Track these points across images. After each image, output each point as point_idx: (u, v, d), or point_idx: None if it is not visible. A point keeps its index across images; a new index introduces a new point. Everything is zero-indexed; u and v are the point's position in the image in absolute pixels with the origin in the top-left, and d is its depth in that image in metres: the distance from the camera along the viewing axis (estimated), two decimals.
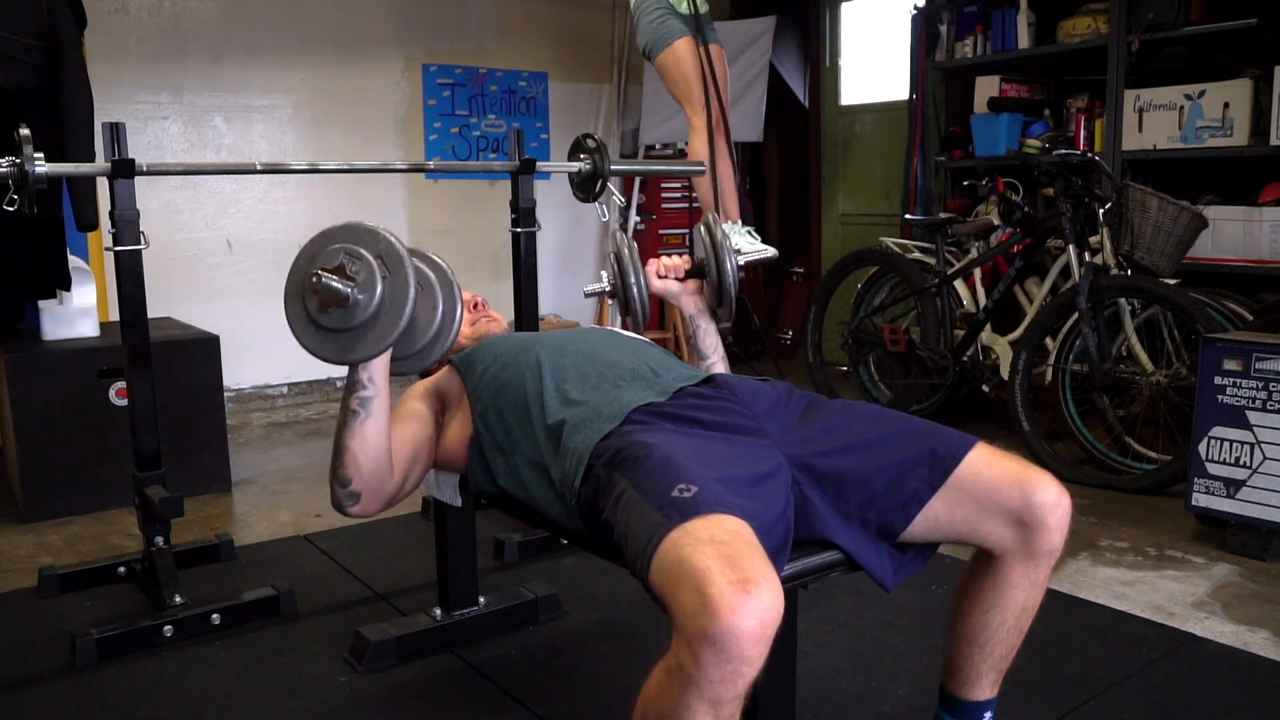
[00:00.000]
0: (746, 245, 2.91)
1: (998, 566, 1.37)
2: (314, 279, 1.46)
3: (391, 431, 1.57)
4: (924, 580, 2.33)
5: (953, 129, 4.36)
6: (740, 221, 3.02)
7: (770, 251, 2.73)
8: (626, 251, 1.83)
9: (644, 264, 1.86)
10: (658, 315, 5.11)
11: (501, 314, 2.01)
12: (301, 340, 1.53)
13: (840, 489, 1.35)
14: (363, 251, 1.48)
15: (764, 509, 1.23)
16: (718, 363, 1.92)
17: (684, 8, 3.17)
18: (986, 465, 1.34)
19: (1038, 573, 1.37)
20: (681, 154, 5.26)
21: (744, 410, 1.44)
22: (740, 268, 1.87)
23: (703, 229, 1.89)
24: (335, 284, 1.45)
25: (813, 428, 1.43)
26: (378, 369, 1.52)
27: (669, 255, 1.96)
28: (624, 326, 1.95)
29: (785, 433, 1.42)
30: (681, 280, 1.91)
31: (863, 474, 1.35)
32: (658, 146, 5.23)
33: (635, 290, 1.82)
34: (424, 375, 1.87)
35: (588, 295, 1.93)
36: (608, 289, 1.87)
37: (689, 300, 1.91)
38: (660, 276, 1.90)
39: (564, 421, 1.45)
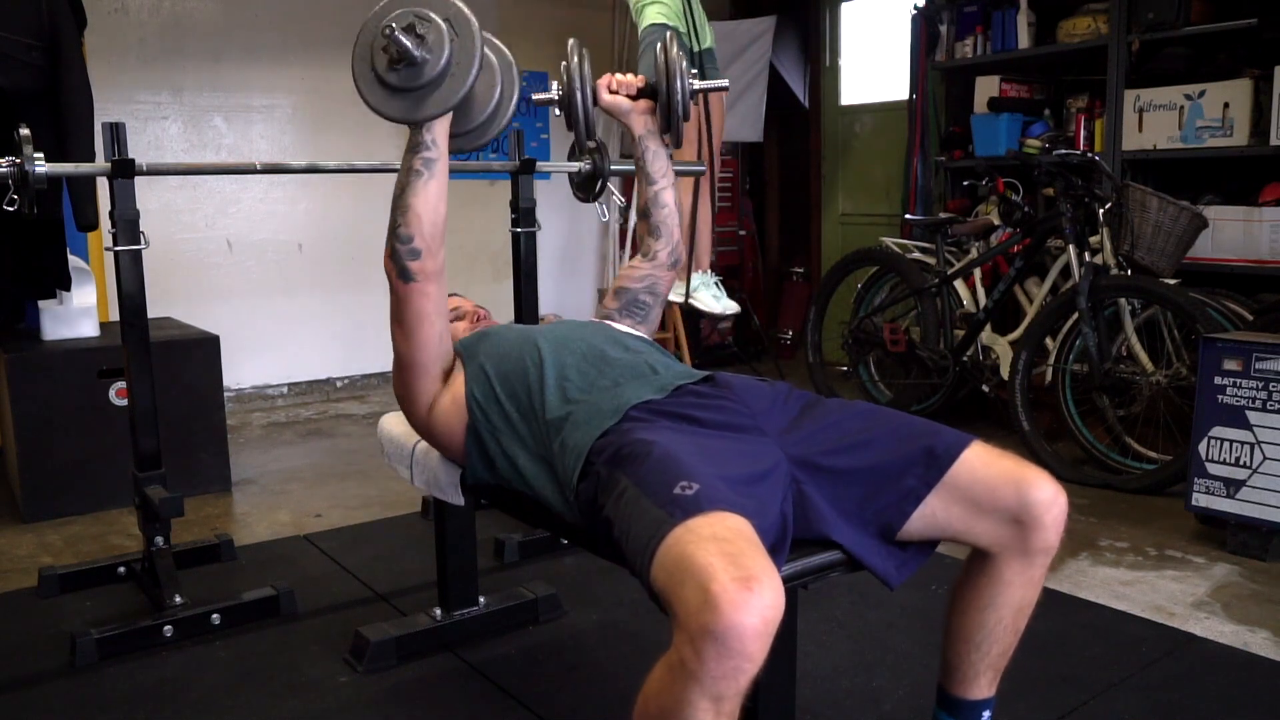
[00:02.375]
0: (710, 300, 2.93)
1: (993, 565, 1.37)
2: (386, 31, 1.48)
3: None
4: (924, 580, 2.33)
5: (953, 129, 4.36)
6: (709, 272, 3.03)
7: (733, 308, 2.74)
8: (576, 61, 1.81)
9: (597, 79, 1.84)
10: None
11: (502, 316, 2.01)
12: (368, 99, 1.56)
13: (838, 487, 1.35)
14: (431, 14, 1.51)
15: (763, 507, 1.23)
16: (666, 187, 1.91)
17: (688, 40, 3.20)
18: (982, 464, 1.34)
19: (1033, 571, 1.37)
20: None
21: (742, 408, 1.44)
22: (693, 92, 1.84)
23: (658, 47, 1.85)
24: (406, 41, 1.48)
25: (810, 426, 1.43)
26: (440, 131, 1.56)
27: (623, 74, 1.92)
28: (607, 305, 1.93)
29: (783, 431, 1.42)
30: (633, 99, 1.89)
31: (860, 472, 1.35)
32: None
33: (581, 101, 1.80)
34: None
35: (535, 102, 1.90)
36: (555, 98, 1.84)
37: (638, 120, 1.89)
38: (611, 91, 1.88)
39: (564, 418, 1.45)
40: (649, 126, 1.89)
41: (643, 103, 1.89)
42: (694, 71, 1.84)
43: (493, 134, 1.67)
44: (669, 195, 1.91)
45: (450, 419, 1.61)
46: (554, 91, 1.83)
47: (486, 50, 1.61)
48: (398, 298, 1.59)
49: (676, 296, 2.95)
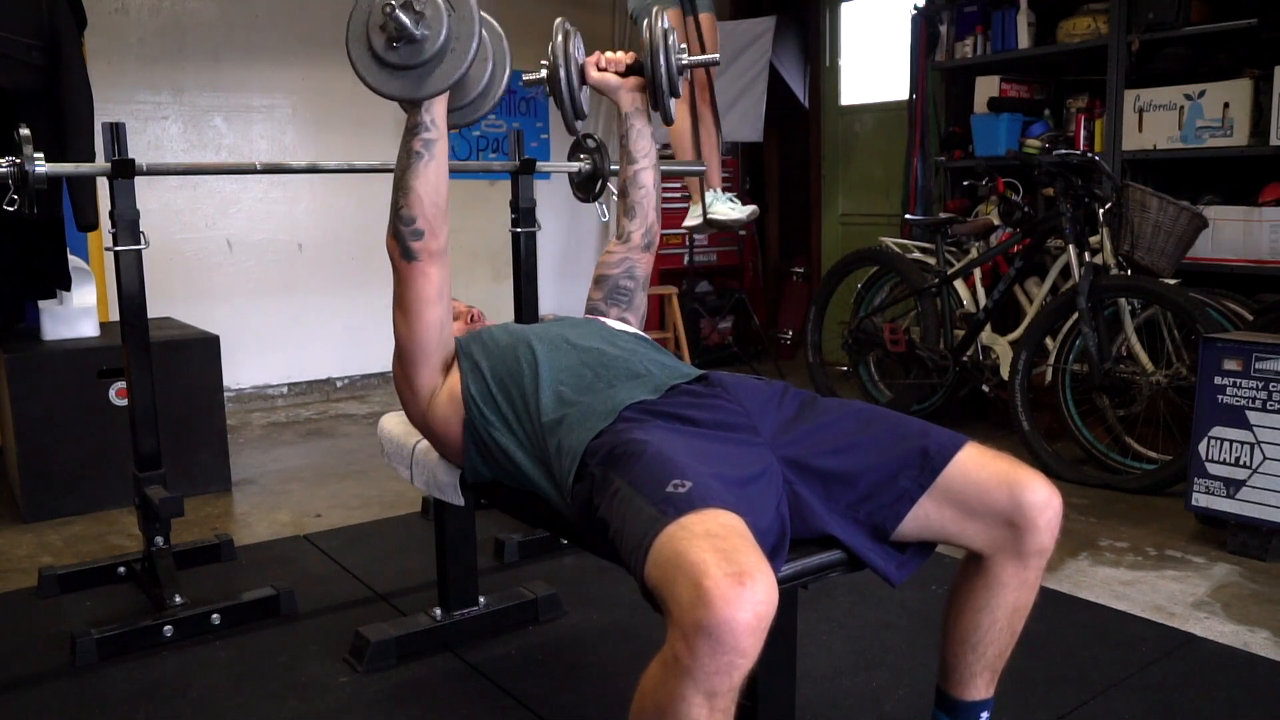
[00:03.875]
0: (727, 210, 2.91)
1: (988, 567, 1.37)
2: (385, 9, 1.47)
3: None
4: (923, 580, 2.34)
5: (953, 129, 4.36)
6: (721, 189, 3.01)
7: (750, 210, 2.70)
8: (562, 37, 1.81)
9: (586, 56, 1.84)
10: (657, 315, 5.11)
11: (502, 316, 2.01)
12: (367, 79, 1.55)
13: (830, 488, 1.35)
14: None
15: (758, 508, 1.23)
16: (647, 168, 1.91)
17: None
18: (976, 465, 1.33)
19: (1028, 573, 1.36)
20: None
21: (737, 408, 1.44)
22: (682, 69, 1.83)
23: (644, 26, 1.84)
24: (405, 17, 1.47)
25: (805, 426, 1.43)
26: (439, 110, 1.56)
27: (613, 52, 1.91)
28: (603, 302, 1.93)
29: (778, 431, 1.42)
30: (621, 75, 1.88)
31: (853, 473, 1.35)
32: (658, 146, 5.23)
33: (567, 78, 1.79)
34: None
35: (525, 84, 1.89)
36: (543, 75, 1.83)
37: (626, 96, 1.89)
38: (600, 69, 1.88)
39: (559, 420, 1.45)
40: (636, 104, 1.89)
41: (631, 79, 1.88)
42: (682, 47, 1.83)
43: (486, 109, 1.65)
44: (648, 176, 1.91)
45: (448, 414, 1.61)
46: (542, 71, 1.83)
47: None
48: (400, 278, 1.59)
49: (694, 219, 2.94)
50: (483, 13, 1.63)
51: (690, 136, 2.88)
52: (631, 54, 1.89)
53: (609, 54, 1.90)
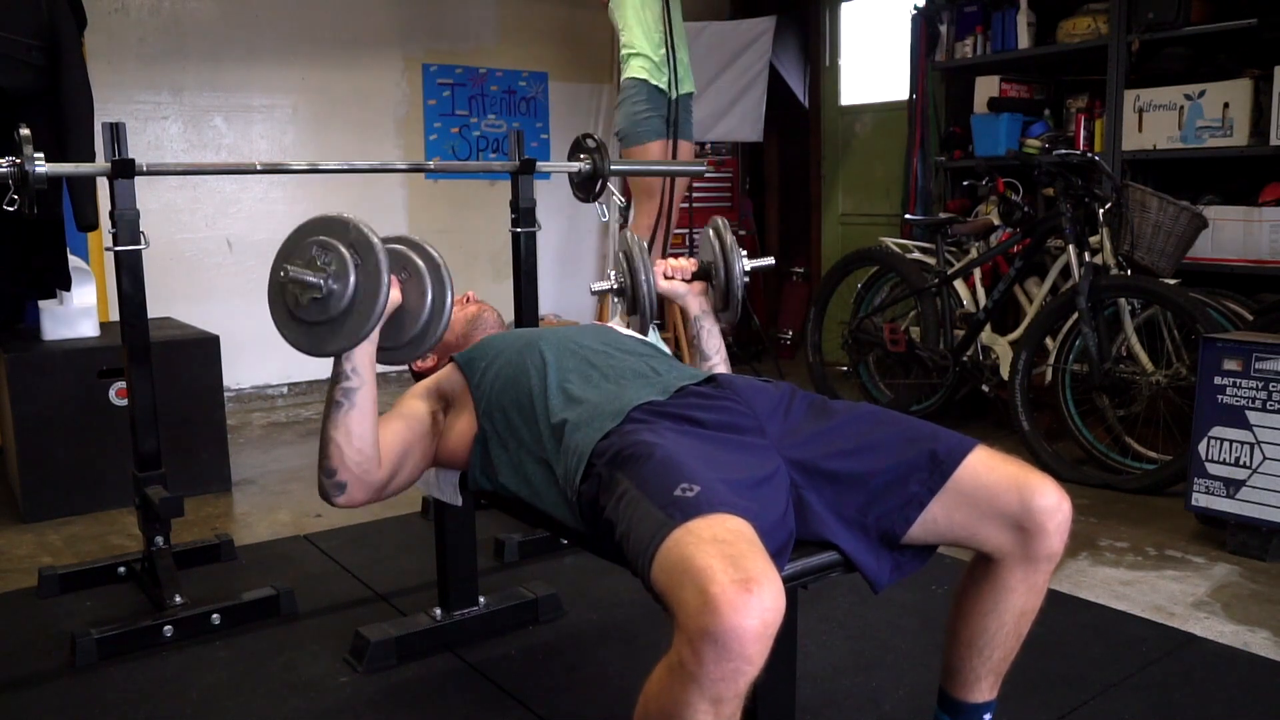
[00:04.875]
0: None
1: (996, 570, 1.37)
2: (282, 273, 1.47)
3: (385, 427, 1.57)
4: (924, 580, 2.33)
5: (953, 129, 4.36)
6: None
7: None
8: (636, 250, 1.85)
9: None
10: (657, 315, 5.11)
11: (500, 314, 2.01)
12: (284, 334, 1.54)
13: (839, 492, 1.35)
14: (334, 242, 1.48)
15: (766, 511, 1.23)
16: (719, 364, 1.93)
17: (667, 90, 3.29)
18: (986, 469, 1.33)
19: (1037, 577, 1.36)
20: None
21: (745, 410, 1.44)
22: (746, 272, 1.90)
23: (711, 232, 1.91)
24: (306, 276, 1.46)
25: (813, 429, 1.43)
26: (361, 360, 1.51)
27: (675, 257, 1.97)
28: (623, 321, 1.96)
29: (786, 434, 1.42)
30: (688, 281, 1.93)
31: (862, 477, 1.35)
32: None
33: (645, 290, 1.83)
34: (419, 376, 1.87)
35: (594, 293, 1.95)
36: (615, 287, 1.88)
37: (694, 301, 1.93)
38: (667, 277, 1.92)
39: (566, 421, 1.45)
40: (704, 307, 1.94)
41: (697, 284, 1.94)
42: (744, 254, 1.90)
43: (430, 343, 1.61)
44: (722, 369, 1.93)
45: (457, 441, 1.63)
46: (613, 280, 1.88)
47: (413, 255, 1.58)
48: None
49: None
50: (418, 240, 1.61)
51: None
52: (695, 261, 1.96)
53: (673, 260, 1.95)
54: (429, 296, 1.58)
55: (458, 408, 1.66)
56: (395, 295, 1.53)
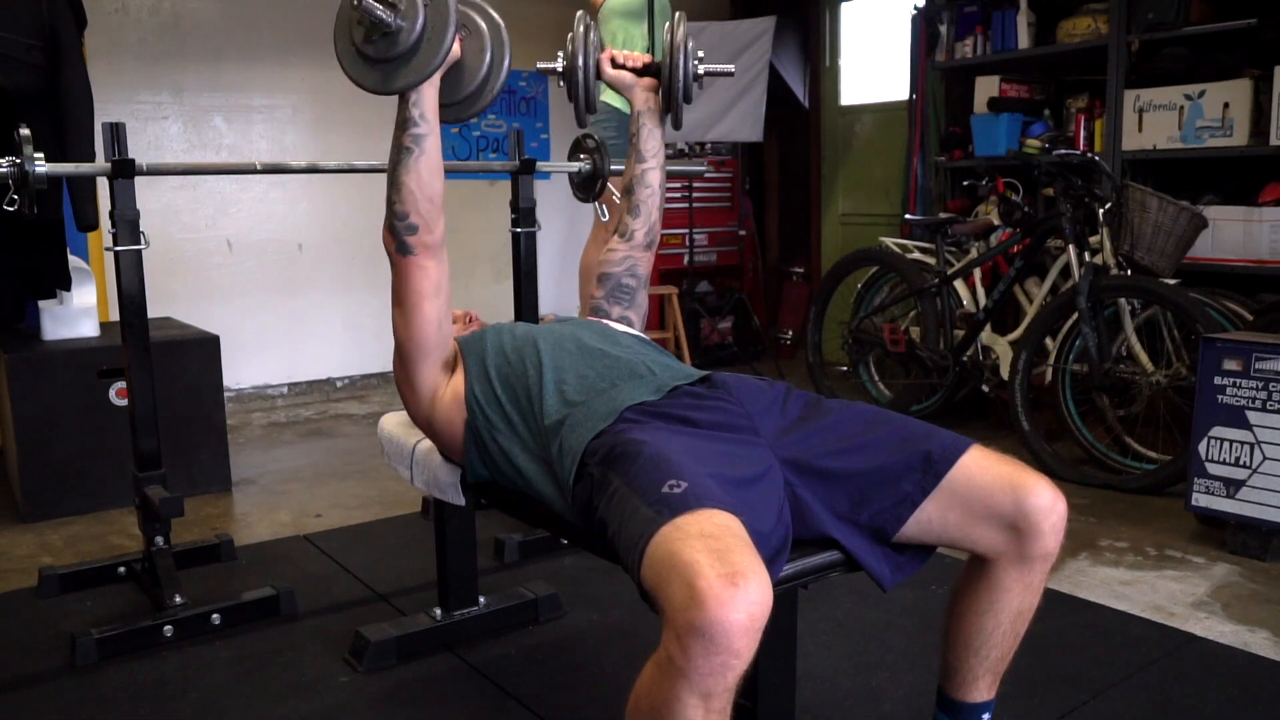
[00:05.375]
0: None
1: (992, 570, 1.37)
2: (355, 4, 1.46)
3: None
4: (924, 580, 2.33)
5: (953, 129, 4.36)
6: None
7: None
8: (583, 30, 1.81)
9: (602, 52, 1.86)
10: (657, 315, 5.11)
11: (502, 316, 2.01)
12: (348, 71, 1.54)
13: (832, 490, 1.35)
14: None
15: (759, 510, 1.23)
16: (654, 168, 1.92)
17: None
18: (980, 469, 1.33)
19: (1032, 577, 1.36)
20: (682, 154, 5.27)
21: (739, 409, 1.44)
22: (698, 75, 1.85)
23: (665, 29, 1.86)
24: (377, 10, 1.46)
25: (808, 428, 1.42)
26: (428, 104, 1.54)
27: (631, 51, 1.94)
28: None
29: (780, 433, 1.42)
30: (637, 74, 1.90)
31: (856, 476, 1.35)
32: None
33: (584, 73, 1.80)
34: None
35: (539, 70, 1.89)
36: (559, 69, 1.84)
37: (640, 95, 1.91)
38: (615, 65, 1.89)
39: (561, 421, 1.45)
40: (649, 104, 1.91)
41: (646, 79, 1.91)
42: (700, 54, 1.85)
43: (484, 103, 1.62)
44: (655, 176, 1.93)
45: (451, 414, 1.61)
46: (558, 62, 1.84)
47: (474, 15, 1.59)
48: (397, 273, 1.59)
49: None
50: (482, 3, 1.62)
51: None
52: (648, 55, 1.92)
53: (626, 51, 1.92)
54: (488, 54, 1.59)
55: (453, 382, 1.64)
56: (456, 49, 1.55)
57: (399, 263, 1.58)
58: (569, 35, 1.83)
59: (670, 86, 1.84)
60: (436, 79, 1.55)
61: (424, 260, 1.57)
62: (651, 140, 1.92)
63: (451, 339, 1.66)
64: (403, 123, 1.55)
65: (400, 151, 1.54)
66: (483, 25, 1.60)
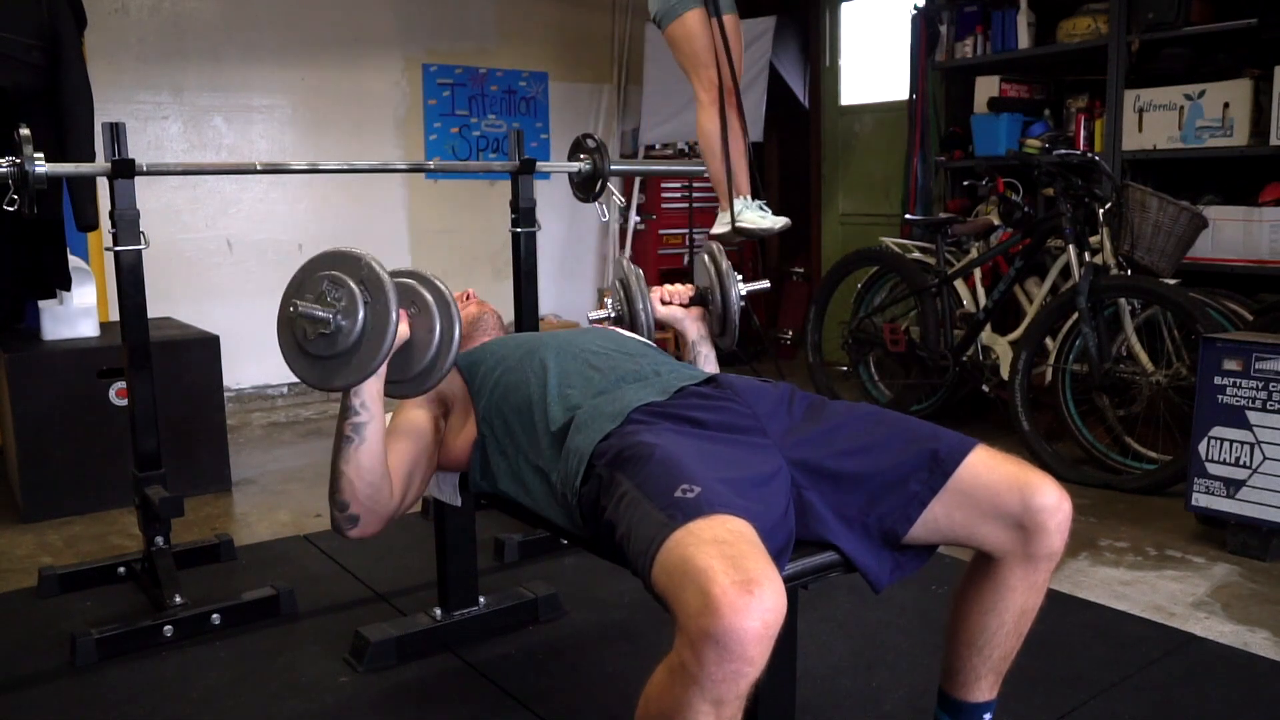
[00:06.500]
0: (757, 218, 2.85)
1: (996, 569, 1.37)
2: (292, 308, 1.48)
3: (390, 449, 1.56)
4: (924, 580, 2.33)
5: (953, 129, 4.36)
6: (752, 196, 2.96)
7: (782, 222, 2.70)
8: (634, 279, 1.89)
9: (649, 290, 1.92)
10: None
11: (500, 315, 2.01)
12: (292, 367, 1.53)
13: (840, 491, 1.35)
14: (345, 278, 1.48)
15: (766, 511, 1.23)
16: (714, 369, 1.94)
17: None
18: (986, 468, 1.33)
19: (1037, 576, 1.36)
20: (682, 154, 5.27)
21: (746, 410, 1.44)
22: (742, 296, 1.92)
23: (706, 257, 1.94)
24: (316, 311, 1.46)
25: (814, 430, 1.43)
26: (370, 394, 1.50)
27: (673, 284, 2.00)
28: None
29: (786, 434, 1.42)
30: (685, 306, 1.97)
31: (863, 477, 1.35)
32: (658, 146, 5.23)
33: (643, 318, 1.88)
34: None
35: (591, 322, 1.97)
36: (613, 316, 1.92)
37: (692, 326, 1.97)
38: (664, 303, 1.95)
39: (566, 425, 1.45)
40: (701, 332, 1.98)
41: (695, 310, 1.98)
42: (739, 278, 1.93)
43: (437, 377, 1.59)
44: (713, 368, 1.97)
45: (457, 446, 1.64)
46: (610, 310, 1.92)
47: (419, 288, 1.57)
48: None
49: (722, 227, 2.87)
50: (426, 274, 1.60)
51: (719, 140, 2.83)
52: (692, 286, 1.99)
53: (669, 287, 1.98)
54: (437, 331, 1.57)
55: (458, 412, 1.66)
56: (404, 329, 1.54)
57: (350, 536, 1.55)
58: (617, 281, 1.91)
59: (725, 316, 1.93)
60: (381, 371, 1.52)
61: (372, 530, 1.54)
62: (710, 365, 1.97)
63: (430, 422, 1.65)
64: (344, 410, 1.50)
65: (341, 440, 1.50)
66: (430, 300, 1.57)
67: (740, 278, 1.94)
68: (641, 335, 1.87)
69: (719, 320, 1.93)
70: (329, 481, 1.53)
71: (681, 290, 1.97)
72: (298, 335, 1.50)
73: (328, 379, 1.50)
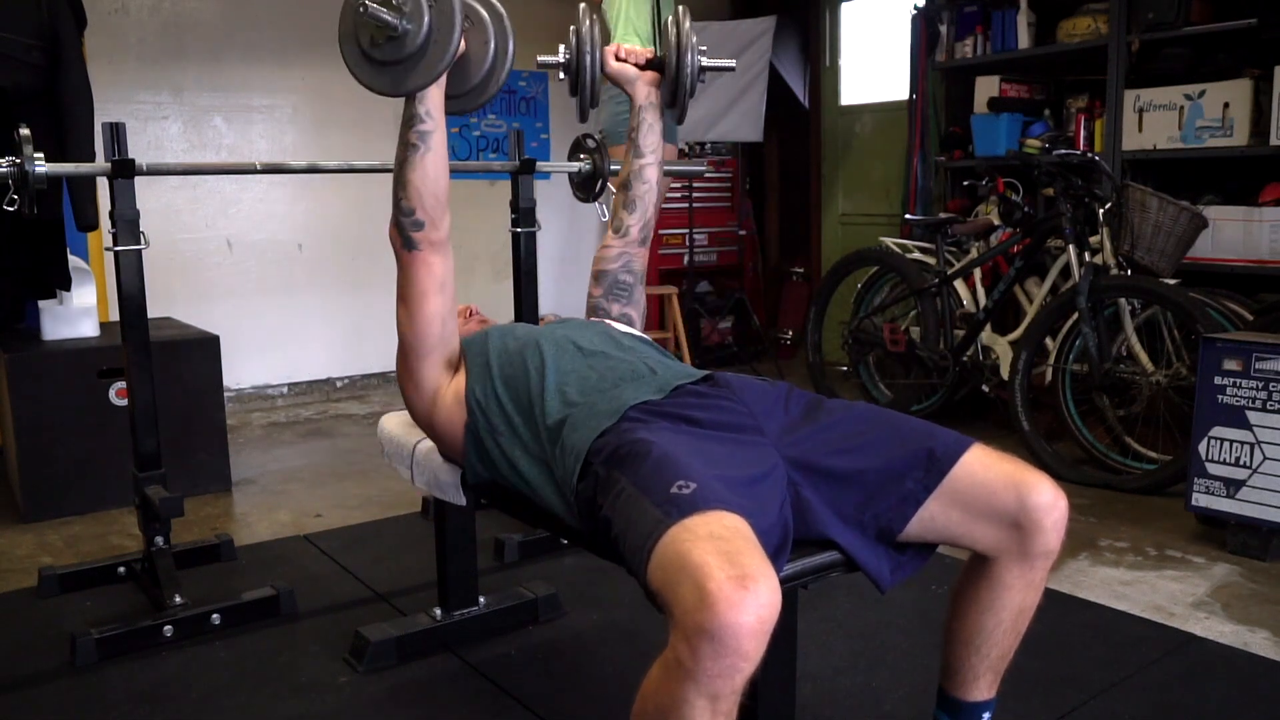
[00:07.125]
0: None
1: (993, 568, 1.37)
2: (360, 10, 1.48)
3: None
4: (923, 580, 2.33)
5: (953, 129, 4.36)
6: None
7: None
8: (587, 27, 1.81)
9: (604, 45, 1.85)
10: (657, 315, 5.11)
11: (502, 316, 2.01)
12: (357, 76, 1.56)
13: (836, 489, 1.35)
14: None
15: (762, 509, 1.23)
16: (652, 163, 1.92)
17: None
18: (982, 467, 1.33)
19: (1034, 574, 1.36)
20: (682, 154, 5.27)
21: (742, 408, 1.44)
22: (701, 70, 1.85)
23: (670, 21, 1.86)
24: (383, 14, 1.47)
25: (811, 428, 1.43)
26: (434, 102, 1.55)
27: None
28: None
29: (783, 432, 1.42)
30: (640, 68, 1.90)
31: (859, 474, 1.35)
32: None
33: (589, 67, 1.80)
34: None
35: (540, 64, 1.88)
36: (562, 61, 1.84)
37: (643, 89, 1.90)
38: (619, 59, 1.89)
39: (563, 421, 1.45)
40: (651, 98, 1.91)
41: (649, 73, 1.91)
42: (703, 49, 1.84)
43: (490, 93, 1.63)
44: (652, 171, 1.93)
45: (452, 413, 1.61)
46: (560, 55, 1.83)
47: (476, 6, 1.59)
48: (402, 269, 1.60)
49: None
50: None
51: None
52: (650, 49, 1.92)
53: (629, 45, 1.91)
54: (492, 45, 1.60)
55: (455, 382, 1.64)
56: (460, 44, 1.55)
57: (404, 258, 1.59)
58: (571, 28, 1.83)
59: (677, 80, 1.84)
60: (443, 77, 1.55)
61: (429, 256, 1.58)
62: (651, 135, 1.92)
63: (455, 337, 1.66)
64: (409, 119, 1.56)
65: (407, 148, 1.56)
66: (485, 16, 1.60)
67: (705, 49, 1.85)
68: (584, 87, 1.80)
69: (671, 89, 1.85)
70: (393, 191, 1.58)
71: (639, 51, 1.90)
72: (363, 44, 1.53)
73: (399, 83, 1.52)
